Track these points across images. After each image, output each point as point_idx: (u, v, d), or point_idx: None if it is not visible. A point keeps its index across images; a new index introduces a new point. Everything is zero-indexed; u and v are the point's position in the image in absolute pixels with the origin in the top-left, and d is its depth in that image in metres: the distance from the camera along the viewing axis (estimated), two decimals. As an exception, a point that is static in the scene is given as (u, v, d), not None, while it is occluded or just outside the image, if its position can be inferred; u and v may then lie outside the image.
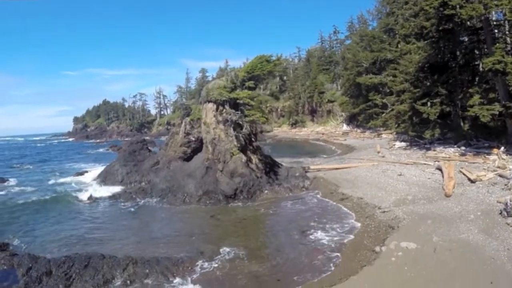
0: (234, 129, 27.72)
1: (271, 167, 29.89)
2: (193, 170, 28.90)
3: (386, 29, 60.31)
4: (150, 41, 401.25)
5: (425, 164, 28.85)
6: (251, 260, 15.68)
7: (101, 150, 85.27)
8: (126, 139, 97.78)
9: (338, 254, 15.72)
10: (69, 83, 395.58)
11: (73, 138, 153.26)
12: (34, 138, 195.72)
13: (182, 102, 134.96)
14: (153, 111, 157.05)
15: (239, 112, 28.06)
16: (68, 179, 39.62)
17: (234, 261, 15.77)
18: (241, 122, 27.89)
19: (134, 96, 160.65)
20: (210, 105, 28.92)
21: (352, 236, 17.53)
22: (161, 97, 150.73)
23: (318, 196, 25.80)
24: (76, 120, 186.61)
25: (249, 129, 28.54)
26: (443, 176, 23.46)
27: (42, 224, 23.51)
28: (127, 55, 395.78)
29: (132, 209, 26.22)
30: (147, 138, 66.40)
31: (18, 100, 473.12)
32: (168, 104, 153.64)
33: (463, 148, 30.90)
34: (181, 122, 35.15)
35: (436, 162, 27.83)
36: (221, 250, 16.80)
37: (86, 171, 42.23)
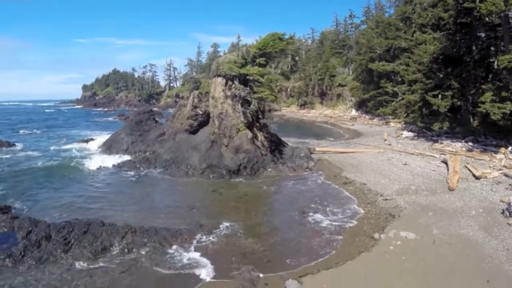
0: (242, 105, 27.56)
1: (276, 146, 29.81)
2: (198, 143, 28.89)
3: (402, 17, 59.12)
4: (161, 13, 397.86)
5: (431, 156, 28.62)
6: (248, 238, 15.73)
7: (109, 118, 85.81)
8: (134, 109, 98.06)
9: (337, 237, 15.70)
10: (79, 51, 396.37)
11: (81, 106, 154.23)
12: (43, 104, 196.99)
13: (192, 76, 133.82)
14: (163, 83, 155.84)
15: (248, 89, 27.82)
16: (73, 146, 39.97)
17: (232, 237, 15.85)
18: (249, 99, 27.69)
19: (144, 67, 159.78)
20: (220, 79, 28.68)
21: (351, 221, 17.47)
22: (171, 69, 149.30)
23: (321, 178, 25.73)
24: (85, 87, 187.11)
25: (257, 106, 28.37)
26: (448, 170, 23.25)
27: (45, 189, 23.77)
28: (138, 26, 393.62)
29: (134, 179, 26.39)
30: (155, 109, 66.50)
31: (28, 65, 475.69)
32: (178, 77, 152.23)
33: (470, 143, 30.60)
34: (190, 95, 35.00)
35: (442, 155, 27.60)
36: (220, 225, 16.88)
37: (92, 139, 42.48)
